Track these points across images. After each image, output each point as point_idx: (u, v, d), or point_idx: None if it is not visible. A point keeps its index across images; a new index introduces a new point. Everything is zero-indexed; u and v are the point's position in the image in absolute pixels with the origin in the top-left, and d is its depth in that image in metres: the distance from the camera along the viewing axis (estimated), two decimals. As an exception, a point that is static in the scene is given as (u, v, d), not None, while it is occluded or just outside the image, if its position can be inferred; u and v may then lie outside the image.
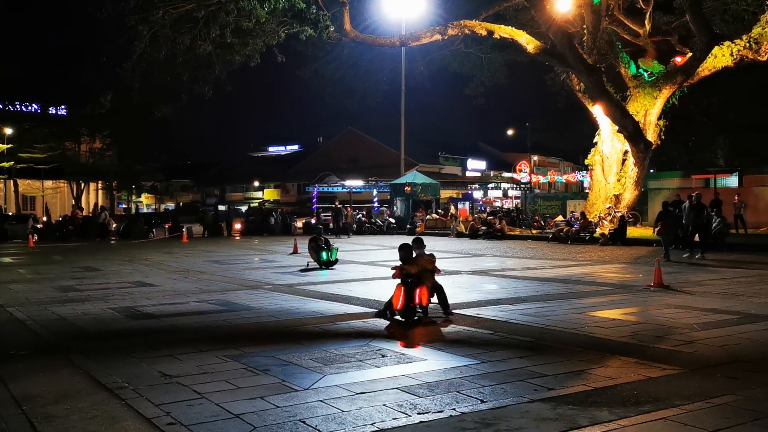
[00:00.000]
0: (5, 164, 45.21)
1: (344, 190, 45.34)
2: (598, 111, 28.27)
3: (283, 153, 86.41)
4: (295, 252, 21.62)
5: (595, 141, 29.75)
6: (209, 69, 25.70)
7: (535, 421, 4.73)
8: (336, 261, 16.73)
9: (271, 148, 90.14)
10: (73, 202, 48.72)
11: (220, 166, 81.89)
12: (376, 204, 43.31)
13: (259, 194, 75.19)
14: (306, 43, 28.27)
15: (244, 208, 55.62)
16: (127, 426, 4.72)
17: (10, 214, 41.60)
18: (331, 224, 33.59)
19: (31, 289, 12.88)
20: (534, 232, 30.45)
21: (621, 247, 22.30)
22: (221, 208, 53.80)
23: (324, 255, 16.38)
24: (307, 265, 16.56)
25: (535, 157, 63.58)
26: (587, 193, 33.27)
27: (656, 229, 17.83)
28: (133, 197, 69.33)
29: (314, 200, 44.69)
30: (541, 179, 52.10)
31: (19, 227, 34.47)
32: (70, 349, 7.30)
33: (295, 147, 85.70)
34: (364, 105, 38.58)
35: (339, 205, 34.34)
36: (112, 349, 7.26)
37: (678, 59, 28.17)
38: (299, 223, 38.86)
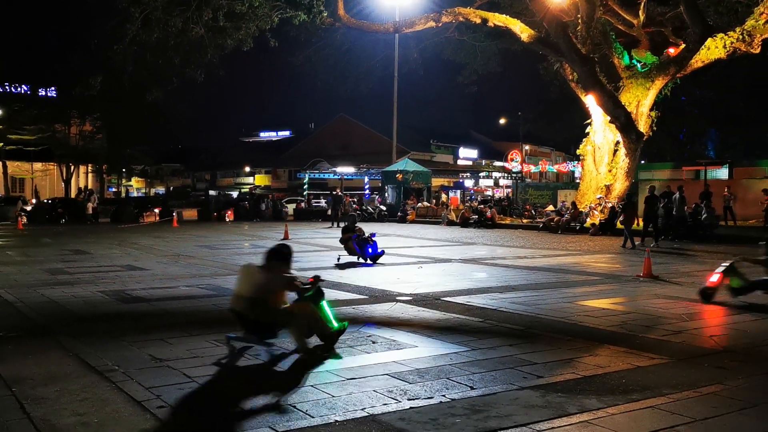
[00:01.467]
0: (-6, 145, 44.82)
1: (336, 176, 45.29)
2: (590, 101, 28.30)
3: (274, 139, 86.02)
4: (285, 238, 21.58)
5: (587, 131, 29.80)
6: (201, 53, 25.54)
7: (524, 408, 4.76)
8: (382, 254, 14.83)
9: (262, 134, 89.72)
10: (83, 185, 48.35)
11: (211, 151, 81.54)
12: (367, 191, 43.28)
13: (250, 180, 74.92)
14: (299, 28, 28.12)
15: (235, 194, 55.45)
16: (117, 409, 4.71)
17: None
18: (329, 212, 32.73)
19: (20, 272, 12.81)
20: (525, 221, 30.53)
21: (611, 238, 22.39)
22: (212, 193, 53.61)
23: (368, 247, 14.53)
24: (338, 259, 14.50)
25: (527, 147, 63.60)
26: (578, 183, 33.36)
27: (619, 219, 18.90)
28: (123, 181, 68.97)
29: (305, 186, 44.64)
30: (533, 169, 52.21)
31: (8, 209, 34.28)
32: (59, 332, 7.27)
33: (287, 133, 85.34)
34: (356, 91, 38.51)
35: (339, 193, 33.05)
36: (102, 332, 7.24)
37: (671, 50, 28.19)
38: (290, 209, 38.84)
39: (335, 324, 6.50)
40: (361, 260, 14.52)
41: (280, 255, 6.61)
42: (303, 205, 41.35)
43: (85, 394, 5.03)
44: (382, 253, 14.79)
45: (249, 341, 6.37)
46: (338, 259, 14.56)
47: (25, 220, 30.22)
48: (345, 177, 44.75)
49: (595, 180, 28.67)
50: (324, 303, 6.54)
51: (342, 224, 29.58)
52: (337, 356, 6.21)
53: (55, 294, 9.98)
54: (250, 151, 79.83)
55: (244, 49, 26.50)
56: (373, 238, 14.79)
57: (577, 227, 25.22)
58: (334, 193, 32.97)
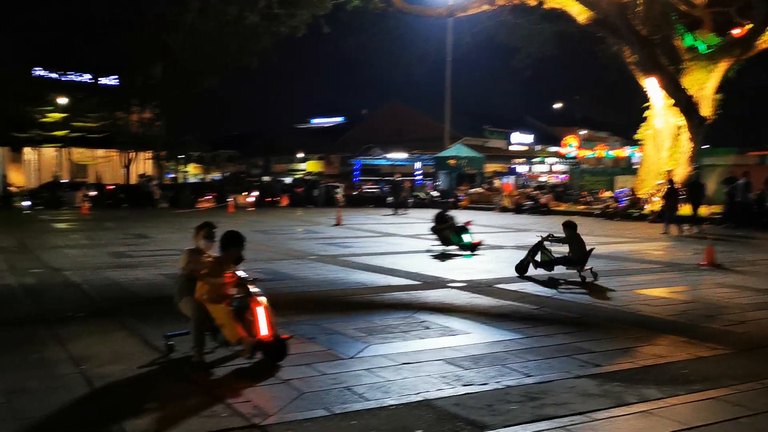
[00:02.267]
0: (60, 133, 46.32)
1: (388, 162, 45.31)
2: (650, 84, 27.52)
3: (327, 125, 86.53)
4: (338, 224, 21.74)
5: (646, 115, 29.01)
6: (256, 40, 25.84)
7: (581, 396, 4.71)
8: (480, 243, 13.93)
9: (315, 120, 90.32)
10: (143, 172, 49.69)
11: (266, 137, 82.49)
12: (419, 177, 43.17)
13: (303, 166, 75.60)
14: (352, 14, 28.12)
15: (288, 179, 56.09)
16: (181, 388, 4.87)
17: (65, 181, 42.77)
18: (390, 198, 31.66)
19: (85, 255, 13.28)
20: (580, 207, 30.00)
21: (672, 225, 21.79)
22: (265, 178, 54.35)
23: (465, 237, 13.71)
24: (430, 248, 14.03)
25: (583, 132, 62.29)
26: (637, 168, 32.55)
27: (663, 205, 19.54)
28: (181, 167, 70.53)
29: (356, 172, 44.80)
30: (589, 154, 51.11)
31: (73, 194, 35.51)
32: (123, 313, 7.53)
33: (339, 119, 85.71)
34: (408, 77, 38.57)
35: (399, 178, 31.34)
36: (163, 314, 7.44)
37: (736, 31, 27.13)
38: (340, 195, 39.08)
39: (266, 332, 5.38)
40: (458, 250, 13.58)
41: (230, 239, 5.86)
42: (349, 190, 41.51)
43: (148, 373, 5.20)
44: (480, 242, 13.86)
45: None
46: (428, 250, 13.63)
47: (89, 204, 31.25)
48: (397, 163, 44.72)
49: (655, 165, 27.92)
50: (260, 309, 5.48)
51: (402, 211, 29.05)
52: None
53: (119, 276, 10.31)
54: (303, 137, 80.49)
55: (297, 35, 26.69)
56: (469, 226, 13.87)
57: (636, 214, 24.65)
58: (394, 178, 31.83)
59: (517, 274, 10.35)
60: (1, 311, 7.74)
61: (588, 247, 10.43)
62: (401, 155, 44.40)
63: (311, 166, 74.60)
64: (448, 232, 13.80)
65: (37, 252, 13.76)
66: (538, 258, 10.35)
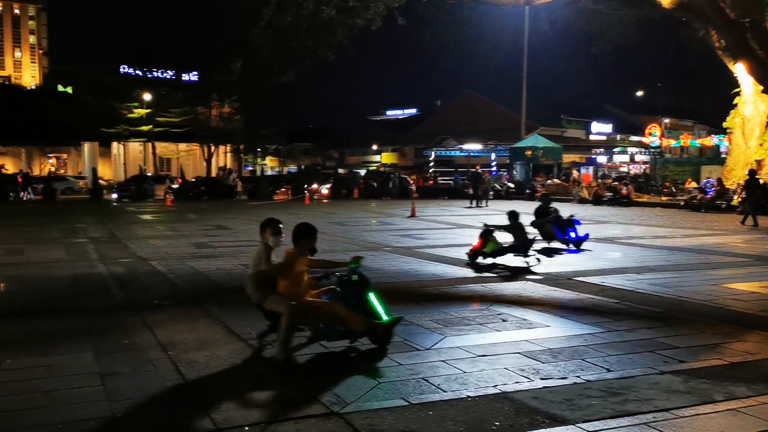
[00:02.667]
0: (144, 128, 48.25)
1: (462, 153, 45.00)
2: (739, 70, 26.29)
3: (401, 117, 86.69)
4: (412, 215, 21.78)
5: (735, 102, 27.75)
6: (332, 34, 26.11)
7: (665, 392, 4.58)
8: (587, 237, 13.01)
9: (389, 112, 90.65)
10: (222, 165, 51.28)
11: (340, 129, 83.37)
12: (494, 168, 42.72)
13: (377, 158, 76.05)
14: (427, 5, 28.06)
15: (362, 172, 56.56)
16: (262, 374, 5.01)
17: (149, 174, 44.54)
18: (470, 190, 30.68)
19: (169, 245, 13.82)
20: (664, 199, 29.03)
21: (762, 217, 20.80)
22: (340, 171, 54.99)
23: (570, 231, 12.83)
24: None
25: (667, 120, 60.10)
26: (724, 158, 31.21)
27: (742, 195, 19.45)
28: (258, 160, 72.21)
29: (431, 164, 44.70)
30: (673, 143, 49.25)
31: (157, 187, 36.97)
32: (206, 301, 7.79)
33: (413, 111, 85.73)
34: (483, 67, 37.90)
35: (479, 170, 30.44)
36: (244, 303, 7.63)
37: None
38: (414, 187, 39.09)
39: (385, 317, 5.61)
40: (562, 246, 12.71)
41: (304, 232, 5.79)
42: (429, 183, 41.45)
43: (232, 360, 5.38)
44: (587, 236, 12.93)
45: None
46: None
47: (172, 197, 32.46)
48: (472, 154, 44.37)
49: (744, 155, 26.70)
50: (371, 293, 5.69)
51: (482, 203, 28.35)
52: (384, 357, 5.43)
53: (201, 266, 10.68)
54: (377, 129, 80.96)
55: (372, 28, 26.81)
56: (575, 221, 12.95)
57: (723, 205, 23.63)
58: (473, 170, 31.05)
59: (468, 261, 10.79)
60: (94, 299, 8.16)
61: (530, 236, 11.11)
62: (475, 146, 43.98)
63: (385, 158, 74.95)
64: (550, 227, 12.87)
65: (125, 242, 14.41)
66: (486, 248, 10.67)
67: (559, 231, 12.77)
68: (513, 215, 11.17)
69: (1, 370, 5.15)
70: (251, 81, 45.55)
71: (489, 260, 10.63)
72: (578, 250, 12.51)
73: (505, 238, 10.98)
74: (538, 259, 10.75)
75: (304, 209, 26.22)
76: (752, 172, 19.67)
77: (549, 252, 12.20)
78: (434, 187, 39.63)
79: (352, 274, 5.69)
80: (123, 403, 4.37)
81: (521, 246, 10.72)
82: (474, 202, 28.39)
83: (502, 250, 10.66)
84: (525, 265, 10.38)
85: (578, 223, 13.12)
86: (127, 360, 5.39)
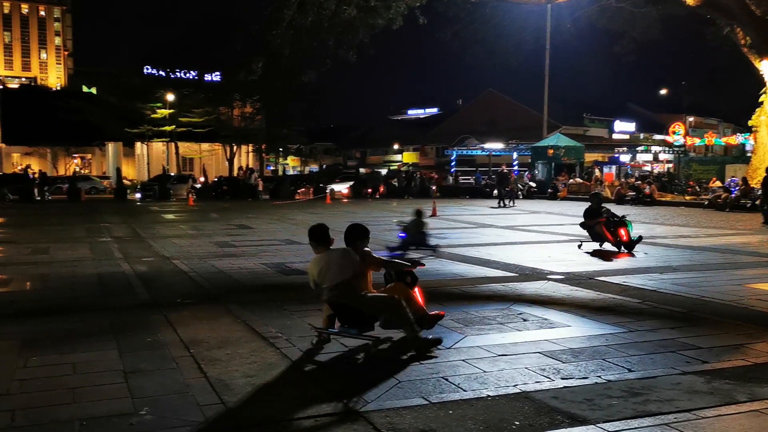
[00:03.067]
0: (167, 128, 48.73)
1: (483, 153, 44.84)
2: (765, 67, 25.89)
3: (422, 116, 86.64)
4: (433, 215, 21.75)
5: (761, 100, 27.32)
6: (353, 33, 26.15)
7: (687, 393, 4.54)
8: (640, 239, 12.12)
9: (410, 111, 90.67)
10: (244, 165, 51.62)
11: (361, 129, 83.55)
12: (516, 167, 42.52)
13: (398, 157, 76.07)
14: (448, 4, 28.01)
15: (384, 171, 56.55)
16: (283, 373, 5.04)
17: (172, 174, 44.97)
18: (495, 191, 30.37)
19: (192, 244, 13.95)
20: (687, 198, 28.69)
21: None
22: (362, 170, 55.06)
23: (622, 232, 11.99)
24: (579, 246, 12.51)
25: (691, 118, 59.45)
26: (749, 157, 30.75)
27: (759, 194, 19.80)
28: (280, 159, 72.58)
29: (453, 163, 44.58)
30: (697, 142, 48.67)
31: (180, 187, 37.32)
32: (228, 300, 7.86)
33: (434, 110, 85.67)
34: (505, 66, 37.64)
35: (505, 170, 29.76)
36: (265, 302, 7.74)
37: None
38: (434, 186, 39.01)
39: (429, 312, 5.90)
40: (613, 248, 12.03)
41: (361, 232, 6.06)
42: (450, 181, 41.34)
43: (253, 358, 5.43)
44: (640, 239, 12.09)
45: (347, 334, 5.75)
46: (579, 245, 12.49)
47: (195, 196, 32.74)
48: (493, 153, 44.20)
49: (770, 153, 26.29)
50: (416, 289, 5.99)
51: (509, 202, 27.67)
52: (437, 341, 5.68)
53: (224, 265, 10.77)
54: (398, 128, 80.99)
55: (393, 27, 26.80)
56: (628, 222, 12.11)
57: (748, 205, 23.30)
58: (500, 170, 30.11)
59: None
60: (118, 297, 8.27)
61: (427, 229, 12.51)
62: (497, 145, 43.80)
63: (407, 157, 74.93)
64: (600, 228, 12.14)
65: (149, 241, 14.58)
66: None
67: (610, 233, 12.03)
68: (417, 213, 12.51)
69: (26, 367, 5.24)
70: (273, 81, 45.76)
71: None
72: (631, 253, 11.80)
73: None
74: (435, 247, 12.12)
75: (325, 209, 26.31)
76: None
77: (601, 254, 11.98)
78: (455, 187, 39.52)
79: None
80: (146, 401, 4.43)
81: (416, 240, 12.11)
82: (501, 202, 27.78)
83: (407, 244, 12.02)
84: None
85: (630, 224, 12.16)
86: (151, 358, 5.46)
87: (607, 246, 12.30)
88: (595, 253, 12.09)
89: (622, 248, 11.93)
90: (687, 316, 6.96)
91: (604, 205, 13.16)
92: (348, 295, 5.61)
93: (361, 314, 5.59)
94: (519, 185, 35.59)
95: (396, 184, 38.71)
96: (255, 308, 7.31)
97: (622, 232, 11.92)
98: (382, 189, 37.07)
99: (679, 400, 4.41)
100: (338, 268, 5.69)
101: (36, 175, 37.58)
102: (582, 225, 12.85)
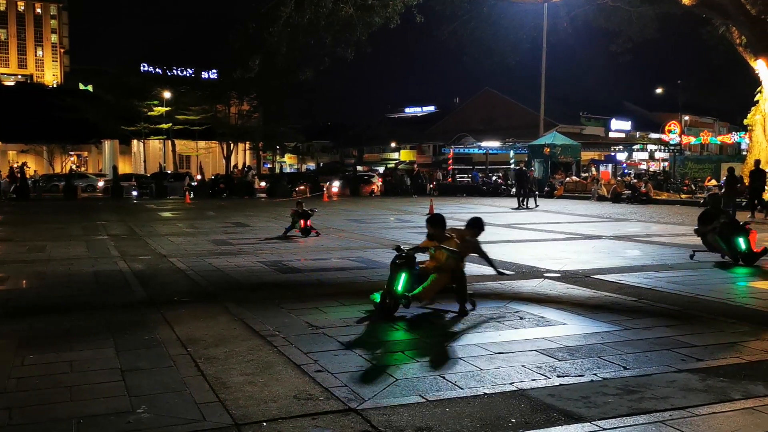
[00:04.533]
0: (164, 126, 48.72)
1: (481, 151, 44.93)
2: (761, 66, 25.95)
3: (419, 114, 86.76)
4: (430, 213, 21.76)
5: (756, 99, 27.41)
6: (350, 31, 26.13)
7: (682, 391, 4.57)
8: (765, 253, 10.21)
9: (407, 110, 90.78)
10: (240, 162, 51.63)
11: (359, 127, 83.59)
12: (513, 166, 42.58)
13: (395, 155, 76.13)
14: (445, 2, 28.00)
15: (381, 169, 56.55)
16: (279, 371, 5.06)
17: (169, 172, 44.94)
18: (513, 190, 29.03)
19: (189, 242, 13.95)
20: (683, 196, 28.78)
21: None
22: (359, 168, 55.07)
23: (740, 241, 10.28)
24: (692, 257, 10.98)
25: (687, 117, 59.54)
26: (745, 155, 30.84)
27: (721, 192, 20.40)
28: (277, 157, 72.58)
29: (450, 161, 44.64)
30: (693, 140, 48.81)
31: (177, 184, 37.29)
32: (225, 298, 7.87)
33: (431, 108, 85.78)
34: (502, 65, 37.63)
35: (523, 168, 27.90)
36: (263, 300, 7.75)
37: None
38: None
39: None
40: (728, 259, 10.55)
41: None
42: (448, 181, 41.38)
43: (250, 356, 5.44)
44: (765, 251, 10.24)
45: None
46: (691, 256, 10.99)
47: (191, 194, 32.72)
48: (490, 151, 44.27)
49: (765, 152, 26.37)
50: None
51: (530, 203, 25.96)
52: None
53: (221, 263, 10.78)
54: (395, 126, 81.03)
55: (391, 26, 26.80)
56: (748, 230, 10.40)
57: (744, 203, 23.37)
58: (518, 168, 28.46)
59: None
60: (115, 295, 8.27)
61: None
62: (494, 143, 43.88)
63: (404, 155, 74.98)
64: (713, 236, 10.59)
65: (145, 239, 14.58)
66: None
67: (725, 242, 10.42)
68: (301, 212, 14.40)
69: (24, 365, 5.25)
70: (270, 79, 45.73)
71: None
72: (749, 266, 10.17)
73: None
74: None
75: (322, 206, 26.31)
76: (731, 170, 21.27)
77: (600, 253, 11.96)
78: (453, 185, 39.56)
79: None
80: (143, 399, 4.44)
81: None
82: (522, 203, 26.16)
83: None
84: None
85: (748, 232, 10.39)
86: (148, 356, 5.47)
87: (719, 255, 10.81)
88: (594, 252, 12.14)
89: (740, 260, 10.34)
90: (682, 314, 6.99)
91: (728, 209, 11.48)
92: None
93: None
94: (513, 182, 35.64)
95: (393, 181, 38.74)
96: (252, 306, 7.32)
97: (741, 241, 10.26)
98: (375, 187, 37.06)
99: (674, 397, 4.44)
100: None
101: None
102: (696, 232, 11.29)
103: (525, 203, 26.08)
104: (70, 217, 21.64)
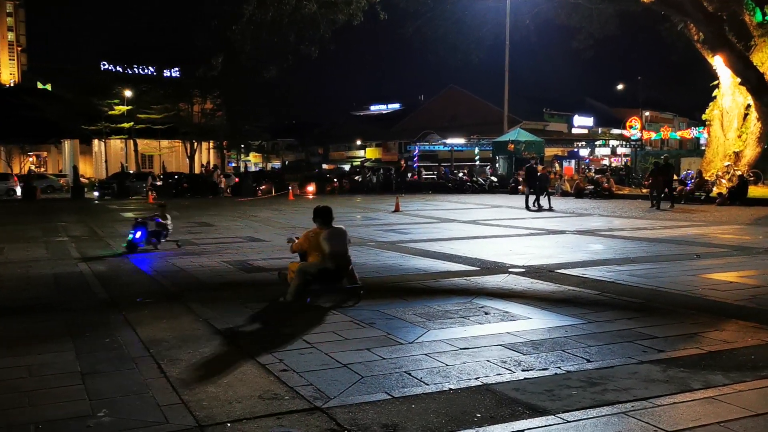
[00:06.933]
0: (125, 125, 47.90)
1: (446, 148, 45.08)
2: (718, 62, 26.58)
3: (384, 111, 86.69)
4: (396, 210, 21.80)
5: (714, 95, 28.06)
6: (314, 29, 26.01)
7: (644, 382, 4.64)
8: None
9: (372, 107, 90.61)
10: (204, 162, 50.98)
11: (324, 125, 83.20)
12: (478, 162, 42.84)
13: (361, 153, 76.01)
14: (408, 0, 27.99)
15: (347, 167, 56.42)
16: (244, 371, 5.00)
17: (131, 172, 44.21)
18: (520, 187, 26.40)
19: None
20: (644, 191, 29.23)
21: (740, 208, 21.08)
22: (324, 166, 54.86)
23: None
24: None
25: (647, 113, 60.61)
26: (704, 150, 31.55)
27: (647, 183, 22.27)
28: (242, 156, 71.89)
29: (415, 159, 44.72)
30: (653, 136, 49.70)
31: (139, 184, 36.70)
32: (189, 298, 7.76)
33: (397, 105, 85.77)
34: (466, 62, 37.79)
35: (534, 165, 23.94)
36: (227, 300, 7.67)
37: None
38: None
39: None
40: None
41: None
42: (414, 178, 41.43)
43: (214, 357, 5.37)
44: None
45: (326, 290, 7.63)
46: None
47: (154, 194, 32.23)
48: (455, 148, 44.45)
49: (723, 146, 27.03)
50: None
51: (543, 202, 22.19)
52: None
53: (184, 263, 10.63)
54: (361, 124, 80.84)
55: (354, 23, 26.74)
56: None
57: (702, 197, 23.91)
58: (529, 165, 24.21)
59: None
60: (75, 297, 8.10)
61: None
62: (459, 140, 44.08)
63: (369, 152, 74.90)
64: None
65: (106, 240, 14.31)
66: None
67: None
68: (161, 206, 13.01)
69: (-20, 370, 5.10)
70: (234, 77, 45.28)
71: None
72: None
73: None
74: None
75: (289, 205, 26.16)
76: (656, 163, 22.33)
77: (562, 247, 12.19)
78: (418, 182, 39.64)
79: None
80: (104, 402, 4.35)
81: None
82: (536, 203, 22.52)
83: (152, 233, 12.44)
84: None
85: None
86: (109, 359, 5.37)
87: None
88: (557, 246, 12.28)
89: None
90: (644, 306, 7.11)
91: None
92: (347, 261, 7.67)
93: (342, 275, 7.62)
94: (480, 179, 35.85)
95: (359, 179, 38.70)
96: (216, 306, 7.24)
97: None
98: (336, 185, 37.07)
99: (636, 388, 4.50)
100: (344, 242, 7.74)
101: None
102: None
103: (536, 204, 22.44)
104: (29, 218, 21.14)
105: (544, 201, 22.81)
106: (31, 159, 59.13)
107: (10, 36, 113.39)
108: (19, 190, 36.99)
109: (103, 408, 4.24)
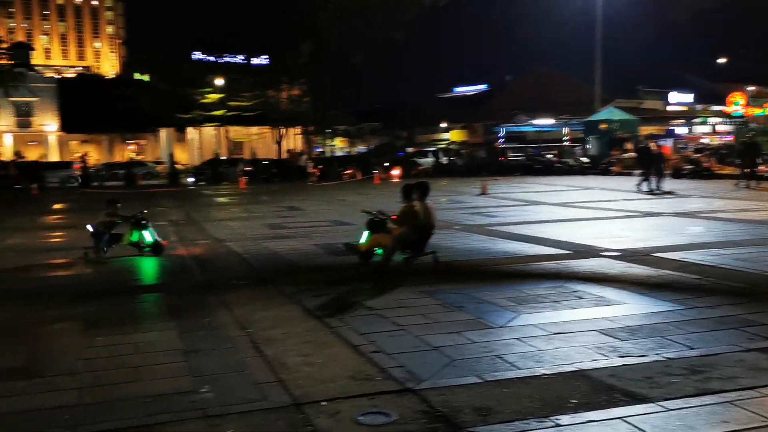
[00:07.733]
0: (217, 113, 49.40)
1: (533, 128, 44.16)
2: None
3: (469, 93, 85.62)
4: (483, 193, 21.56)
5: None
6: (400, 13, 25.97)
7: (750, 370, 4.41)
8: None
9: (458, 89, 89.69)
10: (293, 148, 52.11)
11: (408, 108, 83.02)
12: (566, 142, 41.71)
13: (446, 135, 75.52)
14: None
15: (432, 149, 56.17)
16: (336, 351, 5.10)
17: (224, 158, 45.65)
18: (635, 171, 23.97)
19: (245, 226, 14.17)
20: (747, 170, 27.68)
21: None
22: (409, 149, 54.83)
23: None
24: None
25: (752, 88, 57.14)
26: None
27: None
28: (328, 141, 72.85)
29: (501, 140, 44.04)
30: (758, 112, 46.84)
31: (231, 170, 37.90)
32: (282, 281, 7.97)
33: (482, 87, 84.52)
34: (555, 40, 37.36)
35: (650, 145, 22.32)
36: (318, 282, 7.81)
37: None
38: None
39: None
40: None
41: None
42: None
43: (308, 337, 5.50)
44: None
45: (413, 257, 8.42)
46: None
47: (245, 179, 33.21)
48: (544, 129, 43.47)
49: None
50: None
51: (658, 187, 20.24)
52: None
53: (276, 246, 10.92)
54: (446, 106, 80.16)
55: (440, 4, 26.51)
56: None
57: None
58: (642, 146, 23.05)
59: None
60: (175, 279, 8.48)
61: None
62: (548, 121, 43.04)
63: (454, 135, 74.32)
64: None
65: (202, 224, 14.87)
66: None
67: None
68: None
69: (91, 347, 5.43)
70: (321, 63, 45.85)
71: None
72: None
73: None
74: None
75: (374, 189, 26.36)
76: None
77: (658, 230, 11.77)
78: (507, 164, 39.01)
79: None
80: (206, 379, 4.54)
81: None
82: (650, 185, 20.65)
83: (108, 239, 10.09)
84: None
85: None
86: (208, 337, 5.59)
87: None
88: (654, 229, 11.82)
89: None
90: (749, 291, 6.75)
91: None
92: (430, 234, 8.57)
93: (424, 246, 8.52)
94: (571, 161, 34.89)
95: (445, 162, 38.51)
96: (308, 288, 7.39)
97: None
98: (423, 168, 36.96)
99: (741, 377, 4.29)
100: (434, 217, 8.60)
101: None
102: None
103: (658, 186, 20.47)
104: (132, 204, 22.22)
105: (653, 183, 20.68)
106: (131, 147, 62.12)
107: (110, 29, 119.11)
108: (78, 179, 36.36)
109: (205, 384, 4.42)
